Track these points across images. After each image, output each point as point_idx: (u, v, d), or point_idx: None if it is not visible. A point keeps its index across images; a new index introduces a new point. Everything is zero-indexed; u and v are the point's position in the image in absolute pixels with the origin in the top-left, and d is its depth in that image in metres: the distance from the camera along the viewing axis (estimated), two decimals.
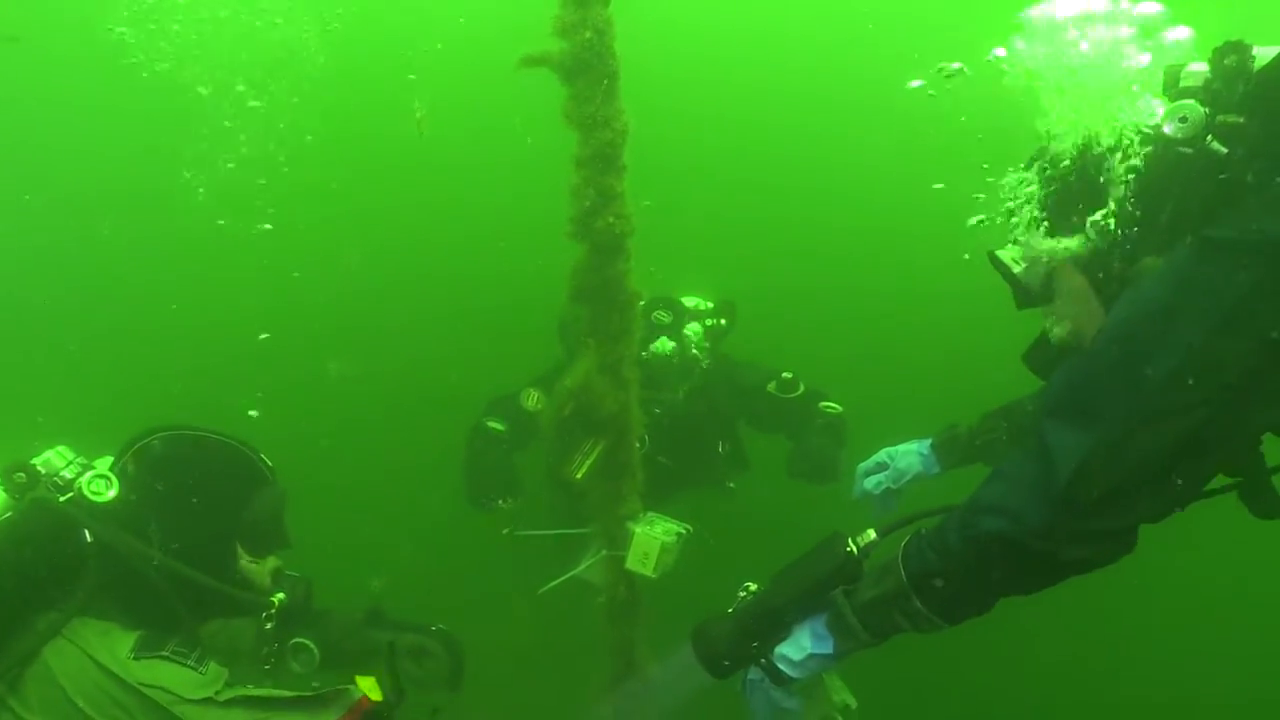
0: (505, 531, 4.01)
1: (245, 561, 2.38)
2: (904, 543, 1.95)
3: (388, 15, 8.03)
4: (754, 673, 2.09)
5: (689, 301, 4.37)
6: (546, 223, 3.00)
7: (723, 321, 4.32)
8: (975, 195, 2.24)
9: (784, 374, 4.34)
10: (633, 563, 3.09)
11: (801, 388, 4.34)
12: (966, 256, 2.33)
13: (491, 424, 4.22)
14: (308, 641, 2.55)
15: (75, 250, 7.40)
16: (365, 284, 7.20)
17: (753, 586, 2.15)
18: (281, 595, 2.44)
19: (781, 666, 2.03)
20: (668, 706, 3.15)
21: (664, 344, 4.18)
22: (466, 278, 7.46)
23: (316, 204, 7.38)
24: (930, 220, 7.27)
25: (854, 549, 2.03)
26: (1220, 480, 1.92)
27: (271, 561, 2.46)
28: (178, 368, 6.48)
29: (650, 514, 3.16)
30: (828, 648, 2.00)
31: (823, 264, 7.77)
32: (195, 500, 2.30)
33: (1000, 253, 2.17)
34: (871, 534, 2.05)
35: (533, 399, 4.18)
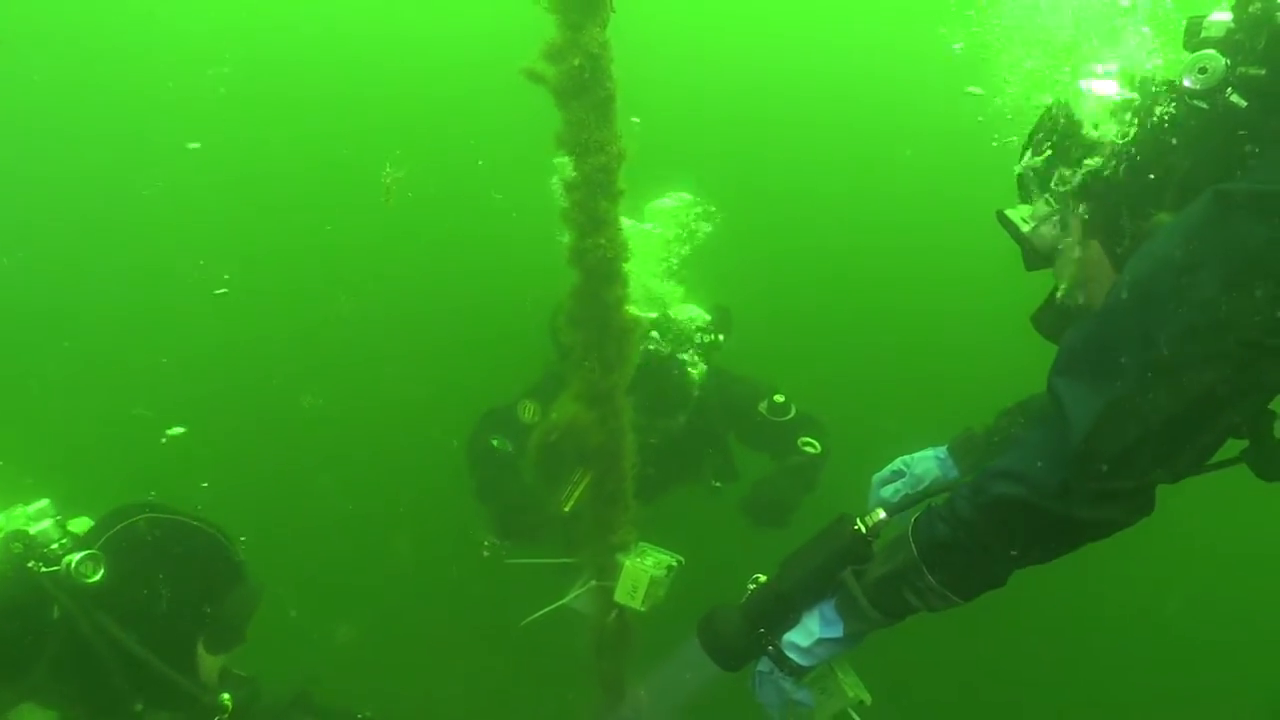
0: (485, 552, 3.92)
1: (200, 657, 2.30)
2: (914, 518, 1.89)
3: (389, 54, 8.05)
4: (763, 664, 2.04)
5: (685, 312, 4.24)
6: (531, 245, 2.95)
7: (720, 337, 4.24)
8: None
9: (776, 396, 4.25)
10: (621, 595, 3.01)
11: (793, 411, 4.25)
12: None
13: (495, 442, 4.10)
14: None
15: (54, 275, 7.31)
16: (346, 315, 7.14)
17: (762, 578, 2.08)
18: (228, 696, 2.34)
19: (790, 654, 1.98)
20: (675, 705, 3.07)
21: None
22: (451, 297, 7.43)
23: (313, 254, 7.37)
24: (933, 222, 7.40)
25: (862, 528, 1.97)
26: (1227, 453, 1.86)
27: (222, 659, 2.37)
28: (154, 400, 6.37)
29: (642, 544, 3.10)
30: (837, 631, 1.95)
31: (827, 270, 7.79)
32: (172, 591, 2.22)
33: (1009, 212, 2.12)
34: (880, 513, 2.00)
35: (529, 411, 4.08)
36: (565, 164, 2.62)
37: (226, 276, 6.75)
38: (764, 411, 4.26)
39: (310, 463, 6.38)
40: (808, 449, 4.20)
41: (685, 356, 4.06)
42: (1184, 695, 5.64)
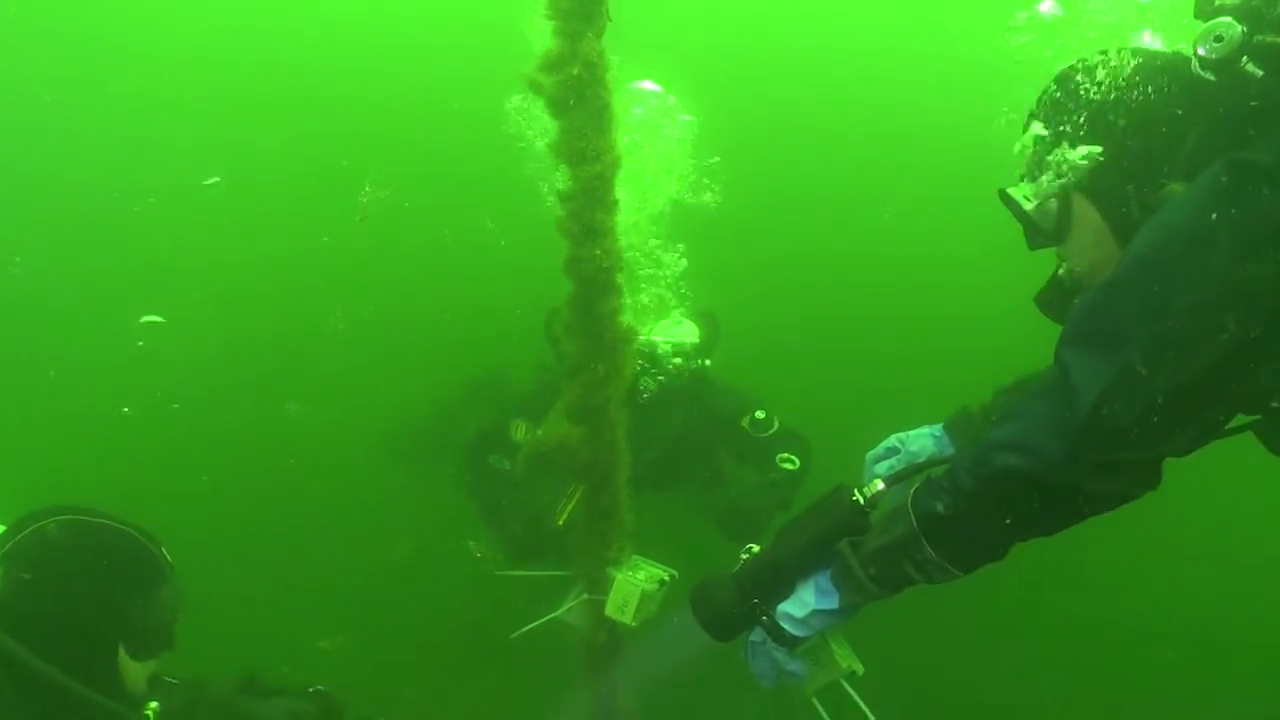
0: (477, 554, 3.89)
1: (124, 664, 2.16)
2: (914, 488, 1.85)
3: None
4: (756, 634, 2.00)
5: (673, 333, 4.23)
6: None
7: (707, 362, 4.25)
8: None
9: (758, 412, 4.28)
10: (612, 609, 2.96)
11: (775, 427, 4.27)
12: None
13: (493, 459, 4.11)
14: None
15: (49, 275, 7.30)
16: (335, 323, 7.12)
17: (755, 548, 2.05)
18: (155, 705, 2.20)
19: (785, 625, 1.94)
20: (665, 672, 3.03)
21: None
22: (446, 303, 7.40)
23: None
24: (933, 226, 7.38)
25: (860, 499, 1.94)
26: (1238, 420, 1.83)
27: (151, 665, 2.25)
28: (144, 401, 6.35)
29: (636, 558, 3.06)
30: (833, 603, 1.91)
31: (822, 275, 7.77)
32: (86, 596, 2.10)
33: (1011, 190, 2.07)
34: (879, 484, 1.97)
35: (521, 430, 4.08)
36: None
37: (216, 180, 6.70)
38: (746, 427, 4.30)
39: (300, 469, 6.35)
40: (786, 466, 4.21)
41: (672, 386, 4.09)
42: (1184, 694, 5.61)
